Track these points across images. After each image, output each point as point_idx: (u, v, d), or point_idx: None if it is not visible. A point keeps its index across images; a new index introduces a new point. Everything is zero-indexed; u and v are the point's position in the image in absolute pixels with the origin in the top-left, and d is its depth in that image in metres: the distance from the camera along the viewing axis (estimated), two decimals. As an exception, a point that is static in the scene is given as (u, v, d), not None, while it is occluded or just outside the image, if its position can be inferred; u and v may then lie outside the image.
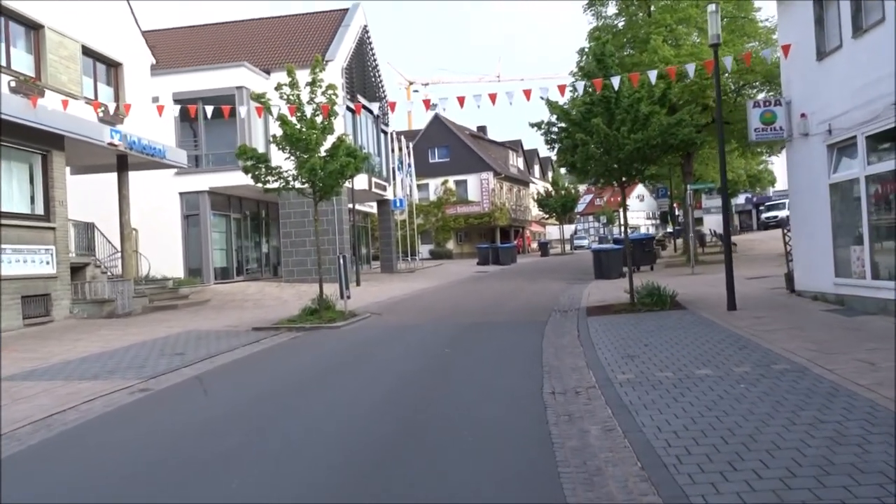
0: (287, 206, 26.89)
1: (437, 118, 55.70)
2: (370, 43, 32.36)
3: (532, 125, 14.65)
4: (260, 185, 15.53)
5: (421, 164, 48.44)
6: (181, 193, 25.48)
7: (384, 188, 33.15)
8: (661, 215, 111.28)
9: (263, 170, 15.33)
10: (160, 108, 16.62)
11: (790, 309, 12.23)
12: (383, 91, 34.31)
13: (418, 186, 45.34)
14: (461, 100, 13.54)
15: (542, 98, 15.06)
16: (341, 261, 15.91)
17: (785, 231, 14.48)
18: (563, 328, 12.49)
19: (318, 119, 15.29)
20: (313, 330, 14.16)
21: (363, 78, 31.56)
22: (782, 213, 55.50)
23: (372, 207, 36.75)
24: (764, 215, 56.04)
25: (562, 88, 13.87)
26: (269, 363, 10.70)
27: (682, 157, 26.49)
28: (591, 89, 13.68)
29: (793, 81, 13.30)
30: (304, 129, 14.91)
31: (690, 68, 13.43)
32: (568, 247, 56.63)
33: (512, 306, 16.85)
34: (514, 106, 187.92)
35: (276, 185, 15.56)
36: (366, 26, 31.69)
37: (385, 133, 34.62)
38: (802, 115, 12.70)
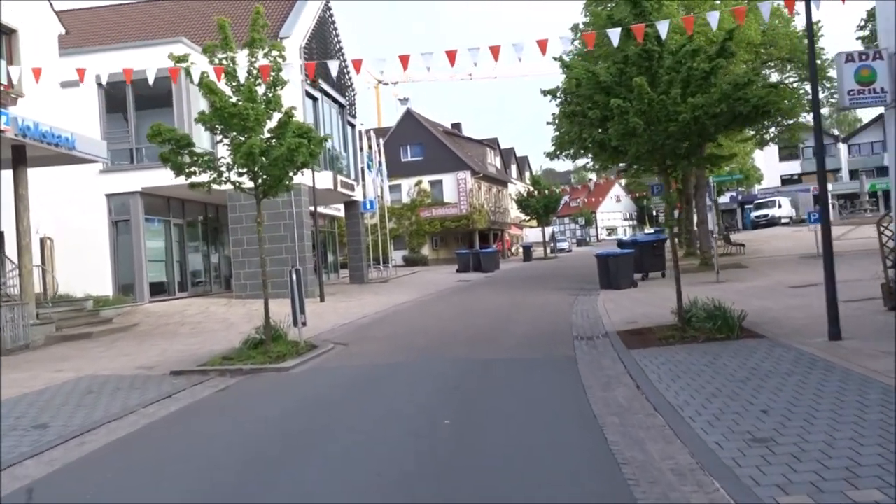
0: (238, 209, 22.93)
1: (409, 114, 51.99)
2: (333, 23, 28.54)
3: (545, 92, 11.01)
4: (183, 178, 11.69)
5: (393, 163, 44.70)
6: (108, 195, 21.41)
7: (352, 188, 29.31)
8: (637, 216, 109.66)
9: (187, 157, 11.49)
10: (81, 74, 12.74)
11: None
12: (349, 79, 30.49)
13: (390, 187, 41.61)
14: (452, 55, 9.84)
15: (556, 59, 11.47)
16: (294, 277, 12.10)
17: (883, 227, 10.98)
18: (604, 369, 8.86)
19: (260, 90, 11.52)
20: (253, 374, 10.34)
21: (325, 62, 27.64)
22: (773, 212, 52.92)
23: (339, 210, 32.90)
24: (754, 214, 53.34)
25: (590, 38, 10.20)
26: (161, 450, 6.87)
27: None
28: (624, 44, 10.10)
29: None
30: (239, 102, 11.11)
31: (765, 8, 9.83)
32: (549, 250, 53.23)
33: (517, 330, 13.17)
34: (488, 102, 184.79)
35: (204, 177, 11.74)
36: (328, 4, 27.84)
37: (352, 126, 30.80)
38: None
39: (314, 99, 25.58)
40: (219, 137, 11.60)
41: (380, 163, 37.18)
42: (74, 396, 9.25)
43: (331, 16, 28.21)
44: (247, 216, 23.22)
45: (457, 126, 59.48)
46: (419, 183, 49.62)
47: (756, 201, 55.34)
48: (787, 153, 64.61)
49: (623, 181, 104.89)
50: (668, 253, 27.95)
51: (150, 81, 13.07)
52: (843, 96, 9.72)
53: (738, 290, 16.32)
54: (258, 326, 12.25)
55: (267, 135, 11.65)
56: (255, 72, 11.26)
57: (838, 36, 28.51)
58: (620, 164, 30.31)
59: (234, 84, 11.40)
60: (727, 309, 10.13)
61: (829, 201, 56.93)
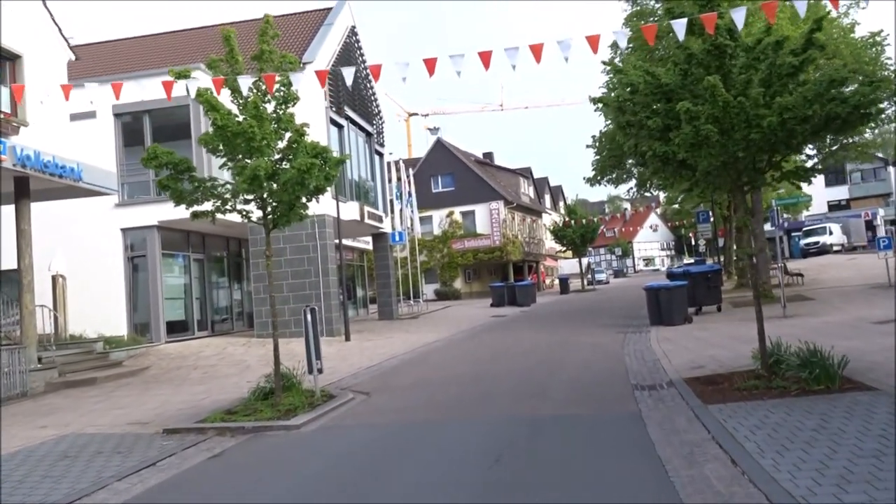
0: (260, 243, 21.60)
1: (439, 143, 50.84)
2: (360, 48, 27.49)
3: (595, 101, 9.46)
4: (184, 207, 10.37)
5: (423, 194, 43.44)
6: (124, 230, 20.29)
7: (380, 219, 27.97)
8: (675, 245, 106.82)
9: (187, 184, 10.17)
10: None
11: None
12: (377, 106, 29.35)
13: (421, 219, 40.20)
14: (486, 56, 8.36)
15: (605, 63, 9.91)
16: (308, 317, 10.61)
17: None
18: (680, 432, 7.14)
19: (270, 107, 10.20)
20: (256, 434, 8.82)
21: (352, 89, 26.59)
22: (824, 239, 50.34)
23: (368, 243, 31.61)
24: (803, 242, 50.78)
25: (650, 31, 8.64)
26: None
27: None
28: (689, 41, 8.54)
29: None
30: (245, 120, 9.77)
31: (802, 7, 8.13)
32: (586, 282, 51.24)
33: (563, 376, 11.47)
34: (520, 132, 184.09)
35: (207, 206, 10.40)
36: (354, 27, 26.83)
37: (380, 155, 29.57)
38: None
39: (339, 126, 24.42)
40: (222, 160, 10.24)
41: (409, 193, 35.94)
42: (46, 463, 7.83)
43: (357, 41, 27.17)
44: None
45: (488, 155, 58.15)
46: (451, 214, 48.25)
47: (805, 228, 52.74)
48: (834, 178, 62.01)
49: (659, 210, 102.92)
50: (725, 284, 26.14)
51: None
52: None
53: (813, 326, 14.41)
54: (269, 374, 10.77)
55: (277, 156, 10.30)
56: (262, 86, 9.93)
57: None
58: (657, 191, 28.63)
59: (240, 101, 10.11)
60: (823, 353, 8.34)
61: (886, 227, 54.36)
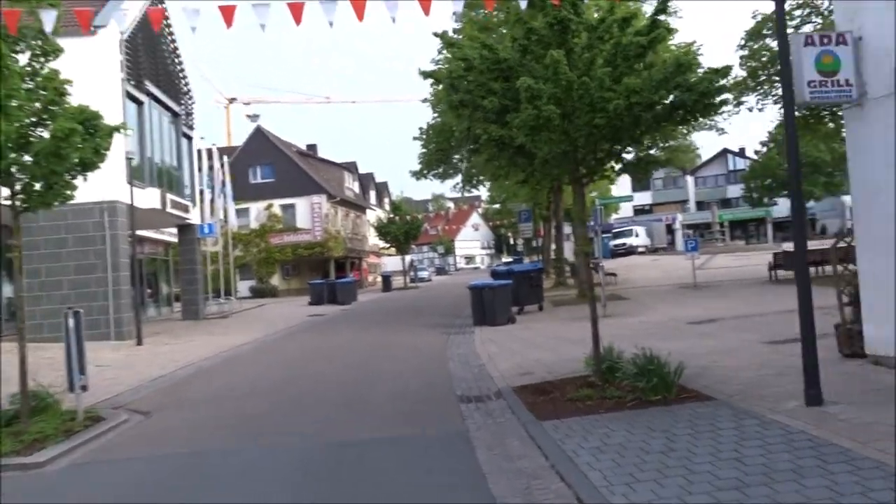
0: (36, 231, 18.38)
1: (259, 132, 47.89)
2: (167, 20, 24.61)
3: (425, 74, 8.31)
4: None
5: (240, 185, 40.46)
6: None
7: (186, 209, 25.24)
8: (495, 245, 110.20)
9: None
10: None
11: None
12: (186, 84, 26.52)
13: (237, 211, 37.30)
14: (298, 8, 6.89)
15: (437, 35, 8.78)
16: (70, 322, 8.52)
17: (839, 254, 9.05)
18: (514, 458, 6.17)
19: (23, 59, 8.04)
20: (-21, 479, 6.71)
21: (156, 63, 23.73)
22: (631, 241, 53.69)
23: (174, 236, 28.57)
24: (612, 243, 53.71)
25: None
26: None
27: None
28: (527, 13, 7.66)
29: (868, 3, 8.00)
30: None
31: None
32: (409, 280, 50.68)
33: (382, 387, 10.23)
34: (345, 124, 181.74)
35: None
36: (161, -4, 23.89)
37: (189, 139, 26.77)
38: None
39: (138, 103, 21.55)
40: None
41: (224, 183, 33.17)
42: None
43: (164, 11, 24.24)
44: (46, 240, 18.85)
45: (312, 147, 55.84)
46: (269, 206, 45.59)
47: (614, 230, 55.86)
48: (638, 185, 66.54)
49: (481, 209, 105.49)
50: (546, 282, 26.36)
51: None
52: (803, 89, 7.71)
53: (632, 326, 14.37)
54: (16, 393, 8.58)
55: (30, 121, 8.13)
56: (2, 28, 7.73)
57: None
58: (485, 186, 28.40)
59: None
60: (660, 360, 7.78)
61: (684, 231, 58.78)
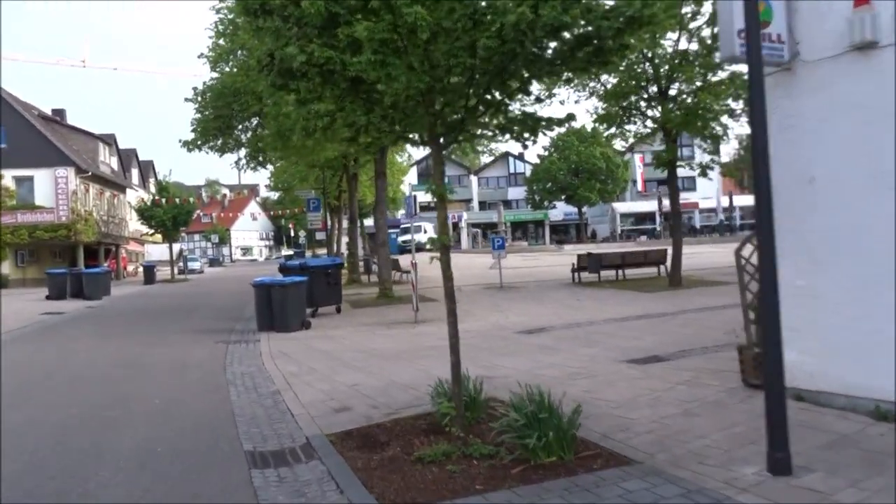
0: None
1: (-10, 88, 39.40)
2: None
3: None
4: None
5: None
6: None
7: None
8: (274, 236, 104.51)
9: None
10: None
11: None
12: None
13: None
14: None
15: None
16: None
17: (744, 259, 7.21)
18: None
19: None
20: None
21: None
22: (418, 237, 52.48)
23: None
24: (400, 238, 52.26)
25: None
26: None
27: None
28: None
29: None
30: None
31: None
32: (177, 271, 44.96)
33: (124, 441, 6.80)
34: (104, 91, 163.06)
35: None
36: None
37: None
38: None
39: None
40: None
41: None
42: None
43: None
44: None
45: (59, 113, 47.52)
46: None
47: (402, 226, 54.39)
48: (422, 179, 65.95)
49: (259, 198, 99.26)
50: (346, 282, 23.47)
51: None
52: (732, 41, 5.79)
53: (439, 337, 12.06)
54: None
55: None
56: None
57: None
58: (276, 157, 24.78)
59: None
60: (552, 406, 5.41)
61: (469, 230, 58.88)
